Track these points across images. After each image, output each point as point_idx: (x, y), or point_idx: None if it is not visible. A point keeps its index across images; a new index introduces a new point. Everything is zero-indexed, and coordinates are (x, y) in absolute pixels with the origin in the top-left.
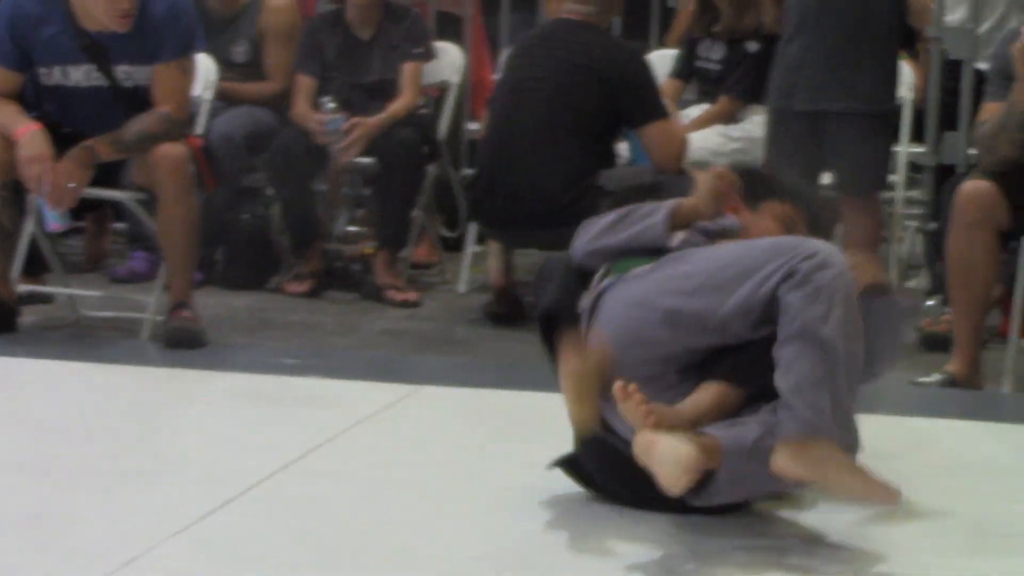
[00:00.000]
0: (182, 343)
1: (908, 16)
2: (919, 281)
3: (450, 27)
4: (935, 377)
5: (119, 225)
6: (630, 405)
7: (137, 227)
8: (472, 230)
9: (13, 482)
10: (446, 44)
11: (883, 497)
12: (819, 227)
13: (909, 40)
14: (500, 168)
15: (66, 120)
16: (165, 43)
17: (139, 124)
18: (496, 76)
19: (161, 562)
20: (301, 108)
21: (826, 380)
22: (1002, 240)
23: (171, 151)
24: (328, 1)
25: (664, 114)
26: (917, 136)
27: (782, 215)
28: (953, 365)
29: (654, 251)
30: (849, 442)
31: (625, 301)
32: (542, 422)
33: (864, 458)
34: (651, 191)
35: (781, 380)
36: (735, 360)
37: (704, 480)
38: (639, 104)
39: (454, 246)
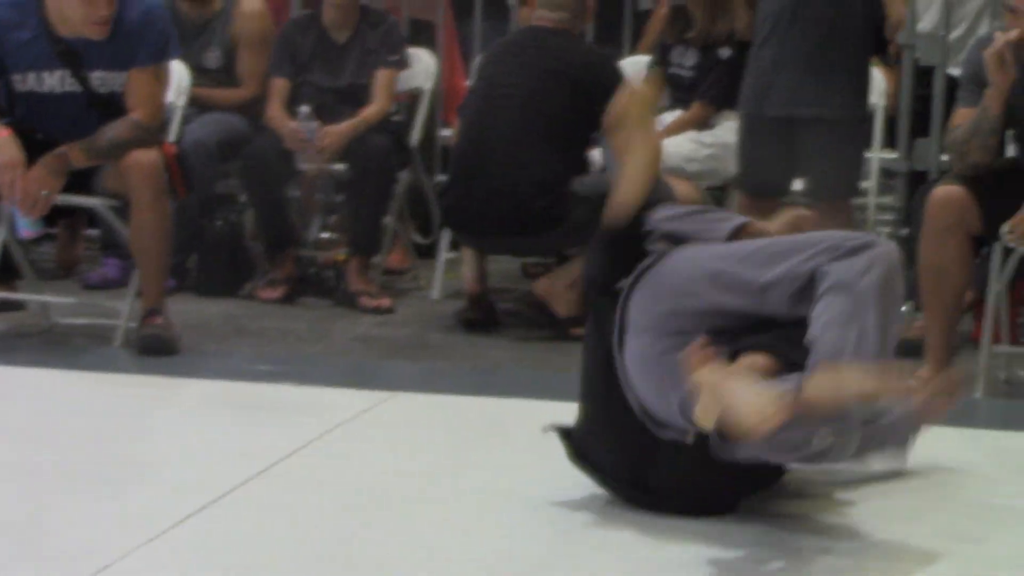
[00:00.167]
0: (155, 350)
1: (885, 27)
2: None
3: (422, 33)
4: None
5: (92, 232)
6: (696, 356)
7: (110, 234)
8: (445, 236)
9: None
10: (419, 50)
11: (907, 388)
12: None
13: (881, 46)
14: (474, 175)
15: (39, 126)
16: (140, 49)
17: (112, 131)
18: (468, 83)
19: (135, 569)
20: (275, 111)
21: (855, 320)
22: (974, 245)
23: (144, 157)
24: (302, 6)
25: None
26: (889, 143)
27: None
28: (926, 371)
29: None
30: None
31: (676, 257)
32: (517, 428)
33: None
34: None
35: (812, 329)
36: (775, 336)
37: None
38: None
39: (427, 252)
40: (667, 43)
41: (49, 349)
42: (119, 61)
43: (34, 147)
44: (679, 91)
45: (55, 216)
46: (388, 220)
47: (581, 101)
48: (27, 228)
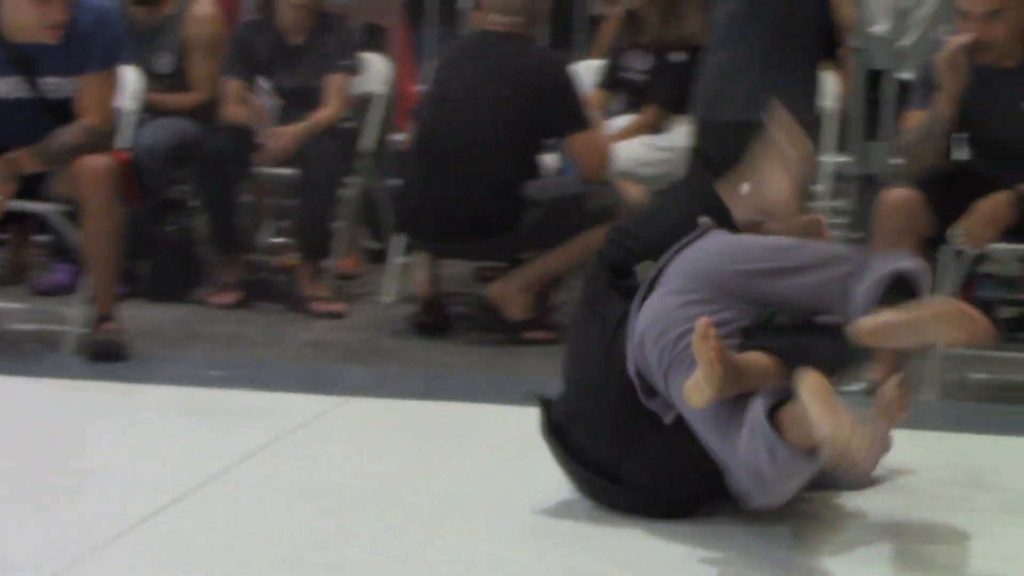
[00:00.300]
0: (106, 356)
1: (836, 30)
2: None
3: (375, 38)
4: (858, 385)
5: (42, 237)
6: (705, 344)
7: (60, 239)
8: (398, 241)
9: None
10: (372, 55)
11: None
12: None
13: (831, 50)
14: (427, 179)
15: None
16: (93, 54)
17: (63, 136)
18: (420, 88)
19: (87, 575)
20: (232, 109)
21: (886, 279)
22: (926, 247)
23: (95, 163)
24: (256, 9)
25: (589, 124)
26: (841, 146)
27: None
28: (876, 373)
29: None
30: None
31: (706, 246)
32: (470, 432)
33: None
34: (576, 201)
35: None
36: (791, 340)
37: None
38: (564, 114)
39: (379, 257)
40: (620, 47)
41: None
42: (72, 66)
43: None
44: (632, 95)
45: (5, 221)
46: (339, 225)
47: (534, 105)
48: None
